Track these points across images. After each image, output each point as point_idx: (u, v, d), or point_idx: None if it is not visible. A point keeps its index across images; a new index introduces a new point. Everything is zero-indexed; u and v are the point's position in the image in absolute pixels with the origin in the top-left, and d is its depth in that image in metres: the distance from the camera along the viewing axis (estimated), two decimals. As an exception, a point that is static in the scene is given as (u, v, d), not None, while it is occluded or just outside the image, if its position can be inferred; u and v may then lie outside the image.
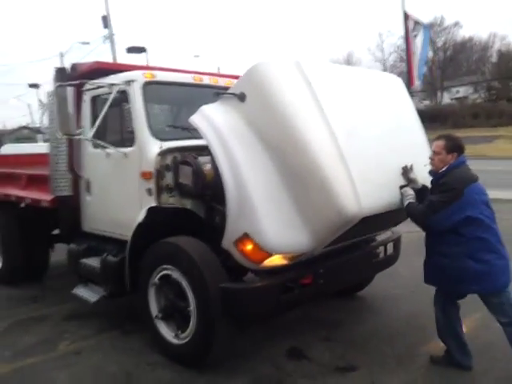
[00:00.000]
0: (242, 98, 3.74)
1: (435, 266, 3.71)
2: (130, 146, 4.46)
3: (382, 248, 4.75)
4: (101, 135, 4.57)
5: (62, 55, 33.81)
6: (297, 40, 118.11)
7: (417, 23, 14.59)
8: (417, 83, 15.18)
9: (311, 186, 3.46)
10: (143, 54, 24.29)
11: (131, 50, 23.05)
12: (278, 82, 3.61)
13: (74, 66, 5.07)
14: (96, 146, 4.73)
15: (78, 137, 4.58)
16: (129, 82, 4.43)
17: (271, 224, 3.53)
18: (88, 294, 4.94)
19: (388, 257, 4.83)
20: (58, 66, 5.18)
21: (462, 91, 64.41)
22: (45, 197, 5.45)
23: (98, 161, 4.88)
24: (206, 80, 5.01)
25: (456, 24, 62.88)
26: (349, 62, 76.93)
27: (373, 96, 4.15)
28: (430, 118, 48.98)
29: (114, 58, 26.26)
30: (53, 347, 4.66)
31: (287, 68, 3.70)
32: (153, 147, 4.29)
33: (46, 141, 36.93)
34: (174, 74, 4.82)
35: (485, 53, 65.78)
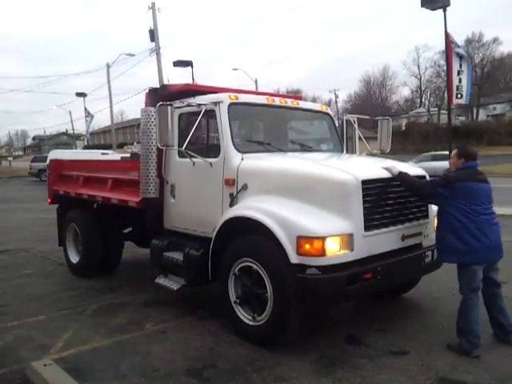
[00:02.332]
0: (245, 187, 5.07)
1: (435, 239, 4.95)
2: (215, 156, 5.25)
3: (429, 253, 5.36)
4: (188, 146, 5.34)
5: (108, 66, 35.53)
6: (332, 53, 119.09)
7: (458, 55, 14.96)
8: (465, 101, 15.44)
9: (317, 189, 4.61)
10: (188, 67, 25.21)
11: (177, 63, 24.03)
12: (258, 164, 5.15)
13: (164, 87, 5.92)
14: (183, 155, 5.51)
15: (174, 148, 5.38)
16: (216, 103, 5.24)
17: (310, 222, 4.38)
18: (170, 282, 5.72)
19: (435, 261, 5.44)
20: (152, 86, 6.01)
21: (499, 108, 63.81)
22: (132, 198, 6.27)
23: (183, 168, 5.69)
24: (277, 101, 5.78)
25: (495, 40, 62.52)
26: (384, 76, 77.31)
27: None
28: (464, 135, 48.84)
29: (160, 70, 27.52)
30: (141, 327, 5.44)
31: (257, 157, 5.27)
32: (236, 158, 5.09)
33: (84, 147, 38.27)
34: (253, 96, 5.63)
35: (524, 70, 64.97)
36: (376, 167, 5.02)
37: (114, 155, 23.39)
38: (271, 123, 6.12)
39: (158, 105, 4.95)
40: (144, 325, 5.51)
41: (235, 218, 4.84)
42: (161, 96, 5.70)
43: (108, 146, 39.58)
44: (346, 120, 6.77)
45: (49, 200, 8.89)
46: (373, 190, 4.63)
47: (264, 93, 6.12)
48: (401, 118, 71.07)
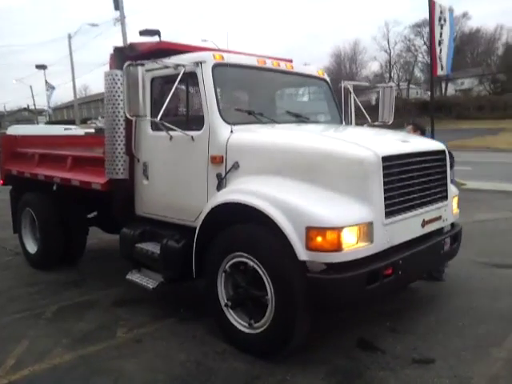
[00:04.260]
0: (236, 166, 4.17)
1: None
2: (198, 129, 4.33)
3: (448, 239, 4.65)
4: (163, 117, 4.40)
5: (70, 37, 33.46)
6: (303, 27, 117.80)
7: (443, 10, 14.20)
8: (447, 73, 14.80)
9: (332, 168, 3.76)
10: (155, 37, 23.87)
11: (144, 32, 22.57)
12: (252, 138, 4.27)
13: (133, 46, 4.94)
14: (157, 127, 4.57)
15: (146, 118, 4.42)
16: (198, 63, 4.30)
17: (321, 209, 3.56)
18: (144, 279, 4.83)
19: (453, 248, 4.74)
20: (116, 45, 4.99)
21: (467, 83, 64.08)
22: (97, 179, 5.30)
23: (158, 144, 4.75)
24: (269, 63, 4.87)
25: (464, 15, 62.40)
26: (355, 50, 76.55)
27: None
28: (434, 109, 48.86)
29: (125, 40, 25.95)
30: (111, 334, 4.56)
31: (249, 129, 4.41)
32: (224, 131, 4.18)
33: (47, 123, 36.50)
34: (242, 57, 4.70)
35: (491, 45, 65.31)
36: (394, 140, 4.21)
37: (77, 131, 21.87)
38: (262, 90, 5.15)
39: (126, 65, 3.99)
40: (115, 331, 4.63)
41: (226, 204, 3.96)
42: (129, 58, 4.66)
43: (71, 122, 37.76)
44: (344, 88, 5.90)
45: (1, 181, 7.82)
46: (394, 168, 3.82)
47: (251, 54, 5.17)
48: (371, 92, 70.74)
